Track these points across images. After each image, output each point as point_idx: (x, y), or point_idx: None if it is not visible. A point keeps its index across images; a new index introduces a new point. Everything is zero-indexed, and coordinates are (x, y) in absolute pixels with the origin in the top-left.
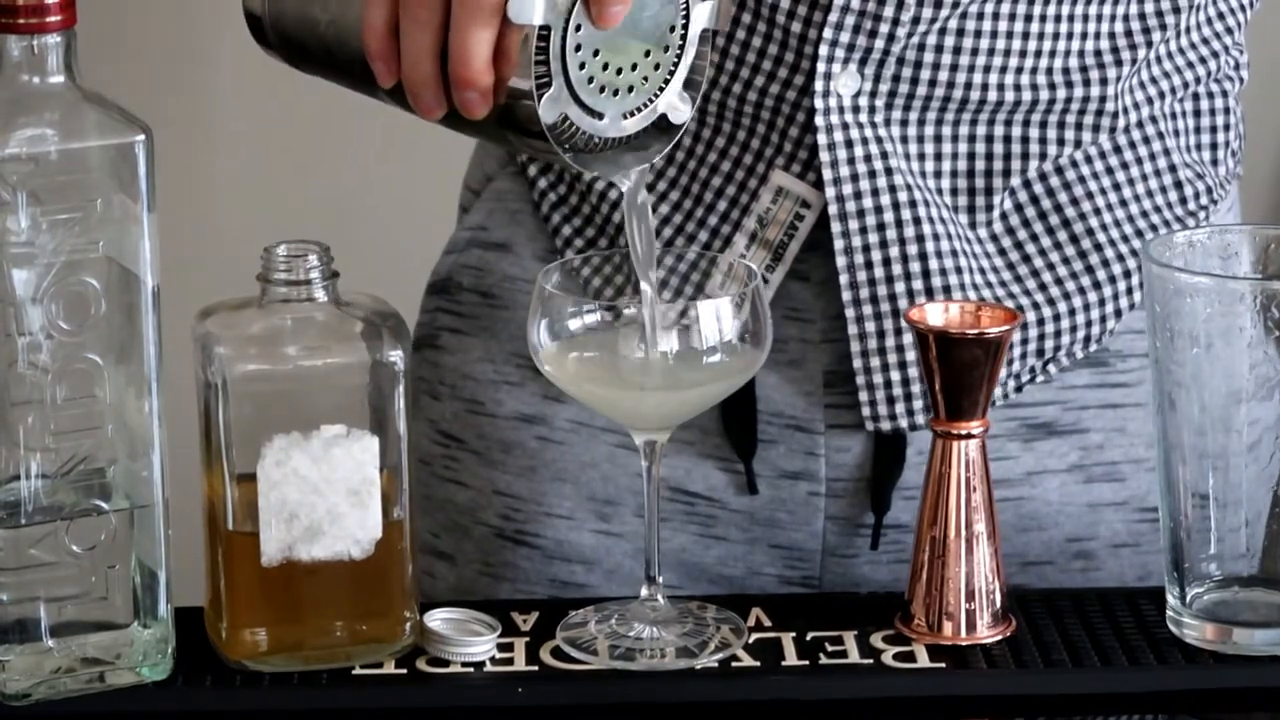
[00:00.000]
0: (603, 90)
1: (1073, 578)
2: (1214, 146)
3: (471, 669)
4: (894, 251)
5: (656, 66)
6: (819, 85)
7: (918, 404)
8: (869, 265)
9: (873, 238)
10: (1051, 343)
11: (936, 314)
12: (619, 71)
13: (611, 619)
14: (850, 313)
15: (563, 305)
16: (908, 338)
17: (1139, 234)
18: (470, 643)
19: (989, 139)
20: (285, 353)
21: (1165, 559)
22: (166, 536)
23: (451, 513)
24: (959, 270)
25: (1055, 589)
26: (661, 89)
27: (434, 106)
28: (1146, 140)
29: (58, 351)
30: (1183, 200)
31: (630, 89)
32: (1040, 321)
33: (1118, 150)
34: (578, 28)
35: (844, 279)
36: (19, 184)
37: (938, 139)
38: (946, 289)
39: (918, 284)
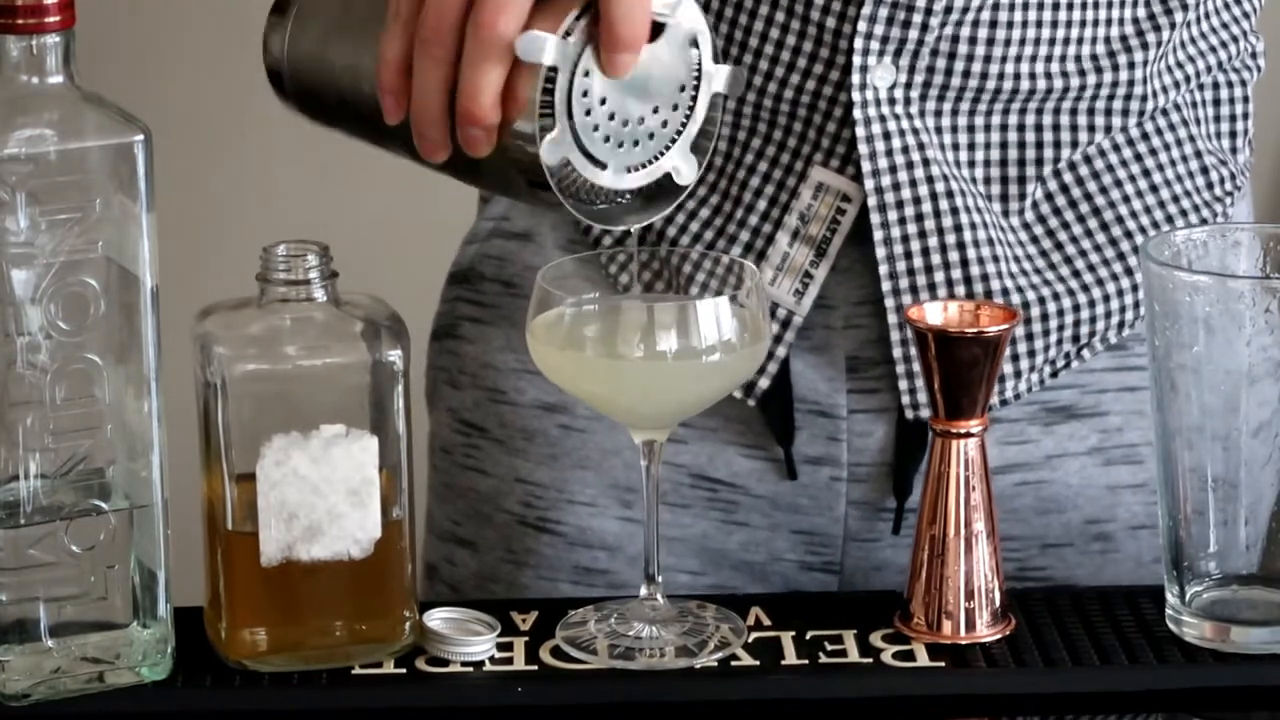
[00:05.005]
0: (607, 140)
1: (1092, 559)
2: (1233, 134)
3: (471, 669)
4: (932, 241)
5: (664, 124)
6: (855, 79)
7: None
8: (908, 255)
9: (911, 228)
10: (1086, 329)
11: (935, 313)
12: (625, 124)
13: (611, 618)
14: (890, 302)
15: (560, 303)
16: None
17: (1169, 219)
18: (470, 642)
19: (1021, 128)
20: (285, 352)
21: (1164, 558)
22: (166, 536)
23: (473, 500)
24: (995, 259)
25: (1054, 587)
26: (667, 148)
27: (439, 146)
28: (1172, 127)
29: (57, 352)
30: (1209, 185)
31: (636, 143)
32: (1075, 308)
33: (1145, 137)
34: (586, 73)
35: (884, 269)
36: (18, 184)
37: (971, 129)
38: (984, 278)
39: (956, 273)
